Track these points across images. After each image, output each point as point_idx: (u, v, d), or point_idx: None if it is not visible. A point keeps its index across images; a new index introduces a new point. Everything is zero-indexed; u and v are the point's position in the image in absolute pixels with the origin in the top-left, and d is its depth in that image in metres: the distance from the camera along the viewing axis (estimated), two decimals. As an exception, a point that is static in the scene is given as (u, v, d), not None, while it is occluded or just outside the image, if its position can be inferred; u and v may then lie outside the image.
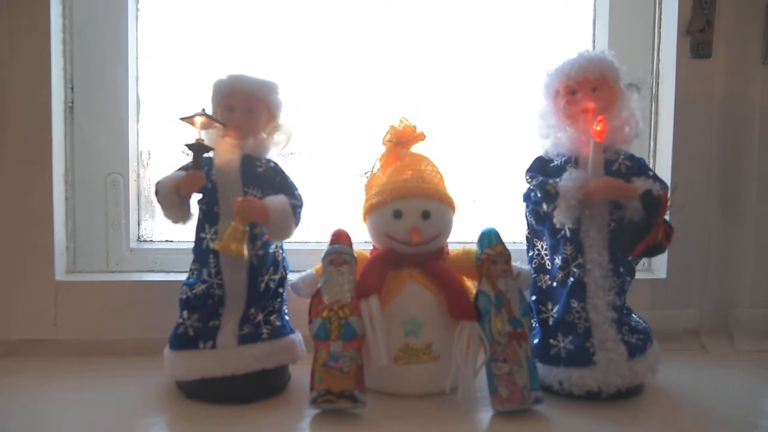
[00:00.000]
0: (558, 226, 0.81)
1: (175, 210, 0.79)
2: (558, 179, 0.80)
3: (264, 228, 0.79)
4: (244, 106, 0.82)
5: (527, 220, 0.87)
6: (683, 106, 1.02)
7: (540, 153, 0.87)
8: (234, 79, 0.82)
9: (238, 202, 0.76)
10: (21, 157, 0.93)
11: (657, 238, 0.77)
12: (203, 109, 0.78)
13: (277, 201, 0.79)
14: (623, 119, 0.82)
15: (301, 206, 0.81)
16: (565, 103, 0.83)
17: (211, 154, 0.80)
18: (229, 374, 0.77)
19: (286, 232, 0.79)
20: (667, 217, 0.79)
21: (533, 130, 0.87)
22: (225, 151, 0.81)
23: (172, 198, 0.78)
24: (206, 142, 0.78)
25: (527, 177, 0.85)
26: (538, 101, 0.87)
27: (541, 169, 0.86)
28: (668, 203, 0.77)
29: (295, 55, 1.05)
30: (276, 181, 0.82)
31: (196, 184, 0.78)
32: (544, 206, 0.81)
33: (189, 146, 0.77)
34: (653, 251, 0.79)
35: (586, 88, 0.83)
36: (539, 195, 0.82)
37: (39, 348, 0.94)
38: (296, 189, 0.83)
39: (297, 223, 0.80)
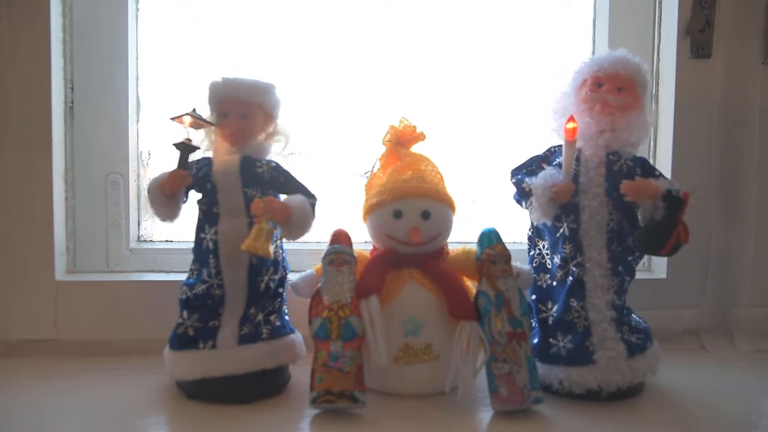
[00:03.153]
0: (534, 223, 0.84)
1: (162, 208, 0.80)
2: (533, 178, 0.82)
3: (282, 228, 0.79)
4: (237, 111, 0.81)
5: (530, 218, 0.88)
6: (683, 106, 1.02)
7: (537, 153, 0.88)
8: (227, 84, 0.81)
9: (262, 203, 0.76)
10: (21, 157, 0.93)
11: (680, 237, 0.78)
12: (193, 109, 0.78)
13: (297, 200, 0.79)
14: (634, 126, 0.82)
15: (316, 204, 0.82)
16: (588, 90, 0.84)
17: (198, 153, 0.81)
18: (229, 374, 0.77)
19: (305, 231, 0.80)
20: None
21: (549, 105, 0.87)
22: (223, 152, 0.81)
23: (158, 196, 0.79)
24: (198, 142, 0.79)
25: (510, 175, 0.87)
26: (565, 82, 0.87)
27: (537, 166, 0.86)
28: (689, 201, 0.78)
29: (295, 54, 1.05)
30: (280, 181, 0.82)
31: (179, 182, 0.78)
32: (523, 204, 0.84)
33: (175, 145, 0.78)
34: (676, 250, 0.80)
35: (613, 84, 0.83)
36: (517, 194, 0.85)
37: (39, 348, 0.94)
38: (307, 187, 0.83)
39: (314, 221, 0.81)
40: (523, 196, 0.84)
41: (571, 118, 0.79)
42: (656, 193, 0.79)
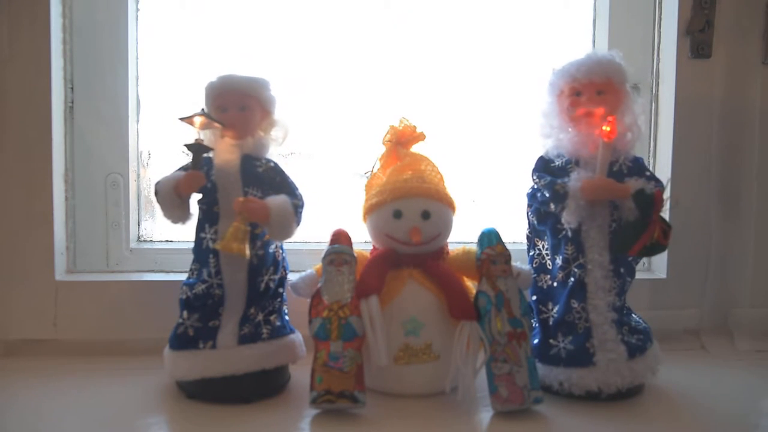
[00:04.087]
0: (566, 225, 0.81)
1: (175, 210, 0.79)
2: (566, 179, 0.80)
3: (265, 228, 0.79)
4: (236, 104, 0.81)
5: (529, 219, 0.87)
6: (683, 106, 1.02)
7: (541, 153, 0.87)
8: (223, 79, 0.82)
9: (239, 202, 0.76)
10: (21, 157, 0.93)
11: (653, 237, 0.77)
12: (203, 109, 0.78)
13: (278, 201, 0.79)
14: (626, 126, 0.81)
15: (302, 206, 0.82)
16: (569, 105, 0.83)
17: (210, 154, 0.81)
18: (229, 374, 0.77)
19: (287, 232, 0.79)
20: (666, 216, 0.79)
21: (535, 129, 0.87)
22: (224, 151, 0.81)
23: (171, 198, 0.78)
24: (205, 143, 0.79)
25: (534, 176, 0.85)
26: (542, 99, 0.87)
27: (544, 169, 0.85)
28: (663, 201, 0.77)
29: (295, 54, 1.05)
30: (276, 181, 0.82)
31: (195, 184, 0.78)
32: (552, 206, 0.81)
33: (188, 146, 0.77)
34: (652, 250, 0.79)
35: (591, 90, 0.82)
36: (547, 195, 0.81)
37: (39, 348, 0.94)
38: (297, 189, 0.83)
39: (298, 223, 0.80)
40: (556, 198, 0.80)
41: (612, 121, 0.78)
42: (625, 193, 0.78)
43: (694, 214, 1.02)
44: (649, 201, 0.76)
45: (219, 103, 0.82)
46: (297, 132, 0.89)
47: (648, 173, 0.82)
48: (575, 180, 0.79)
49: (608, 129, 0.78)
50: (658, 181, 0.81)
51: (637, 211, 0.77)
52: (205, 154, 0.79)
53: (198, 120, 0.77)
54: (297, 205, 0.80)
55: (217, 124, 0.80)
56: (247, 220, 0.76)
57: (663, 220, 0.78)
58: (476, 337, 0.76)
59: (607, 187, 0.79)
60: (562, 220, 0.80)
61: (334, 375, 0.73)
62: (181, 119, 0.78)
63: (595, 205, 0.80)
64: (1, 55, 0.91)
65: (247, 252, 0.76)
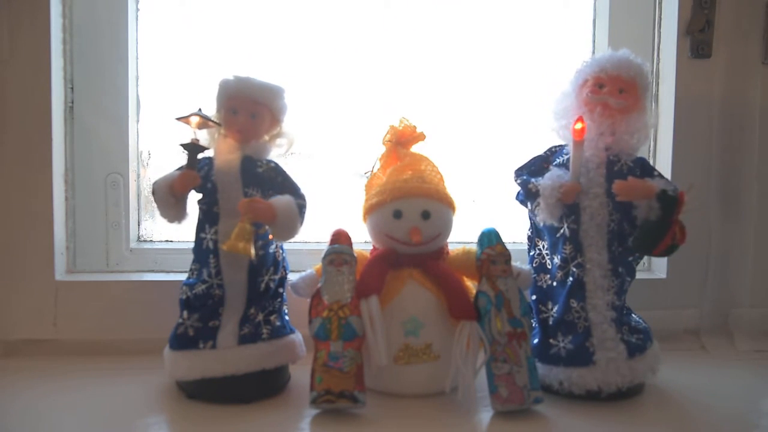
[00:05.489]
0: (540, 224, 0.83)
1: (170, 210, 0.80)
2: (539, 179, 0.82)
3: (270, 228, 0.79)
4: (247, 110, 0.81)
5: (530, 219, 0.88)
6: (683, 106, 1.02)
7: (538, 153, 0.88)
8: (240, 82, 0.81)
9: (245, 203, 0.76)
10: (21, 157, 0.93)
11: (675, 237, 0.78)
12: (199, 109, 0.78)
13: (283, 201, 0.79)
14: (634, 129, 0.82)
15: (305, 205, 0.82)
16: (590, 92, 0.83)
17: (206, 153, 0.80)
18: (229, 374, 0.77)
19: (291, 232, 0.79)
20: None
21: (548, 108, 0.87)
22: (225, 152, 0.81)
23: (167, 198, 0.79)
24: (203, 142, 0.79)
25: (514, 176, 0.87)
26: (565, 83, 0.87)
27: (539, 166, 0.86)
28: (685, 202, 0.78)
29: (295, 54, 1.05)
30: (278, 181, 0.82)
31: (189, 183, 0.78)
32: (528, 205, 0.83)
33: (184, 146, 0.78)
34: (671, 250, 0.79)
35: (615, 85, 0.82)
36: (522, 194, 0.84)
37: (39, 348, 0.94)
38: (300, 188, 0.83)
39: (302, 222, 0.81)
40: (529, 196, 0.83)
41: (580, 119, 0.79)
42: (651, 193, 0.78)
43: (693, 213, 1.01)
44: (673, 201, 0.77)
45: (231, 105, 0.81)
46: (298, 132, 0.88)
47: (656, 173, 0.83)
48: (546, 179, 0.81)
49: (578, 128, 0.78)
50: (667, 181, 0.82)
51: (660, 211, 0.77)
52: (200, 154, 0.79)
53: (194, 120, 0.77)
54: (301, 205, 0.81)
55: (213, 124, 0.80)
56: (252, 220, 0.76)
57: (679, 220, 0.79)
58: (476, 337, 0.76)
59: (637, 186, 0.79)
60: (536, 219, 0.82)
61: (334, 375, 0.73)
62: (178, 119, 0.78)
63: (593, 205, 0.81)
64: (1, 55, 0.91)
65: (253, 252, 0.76)
